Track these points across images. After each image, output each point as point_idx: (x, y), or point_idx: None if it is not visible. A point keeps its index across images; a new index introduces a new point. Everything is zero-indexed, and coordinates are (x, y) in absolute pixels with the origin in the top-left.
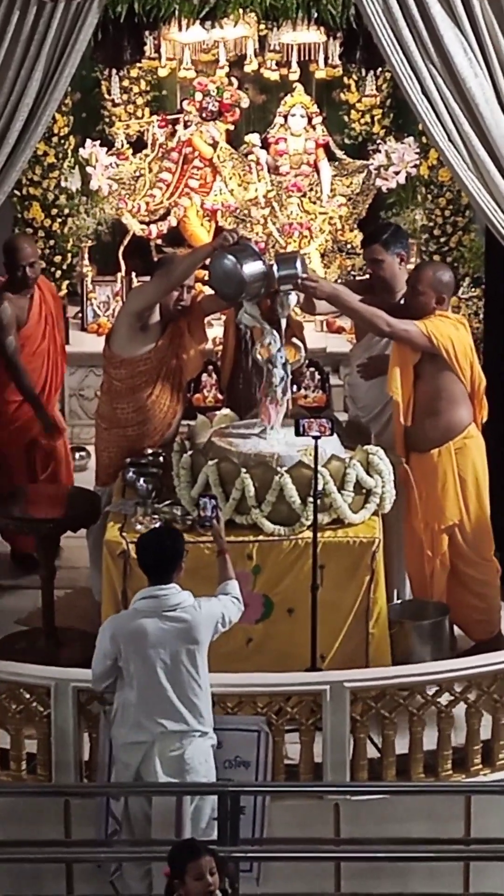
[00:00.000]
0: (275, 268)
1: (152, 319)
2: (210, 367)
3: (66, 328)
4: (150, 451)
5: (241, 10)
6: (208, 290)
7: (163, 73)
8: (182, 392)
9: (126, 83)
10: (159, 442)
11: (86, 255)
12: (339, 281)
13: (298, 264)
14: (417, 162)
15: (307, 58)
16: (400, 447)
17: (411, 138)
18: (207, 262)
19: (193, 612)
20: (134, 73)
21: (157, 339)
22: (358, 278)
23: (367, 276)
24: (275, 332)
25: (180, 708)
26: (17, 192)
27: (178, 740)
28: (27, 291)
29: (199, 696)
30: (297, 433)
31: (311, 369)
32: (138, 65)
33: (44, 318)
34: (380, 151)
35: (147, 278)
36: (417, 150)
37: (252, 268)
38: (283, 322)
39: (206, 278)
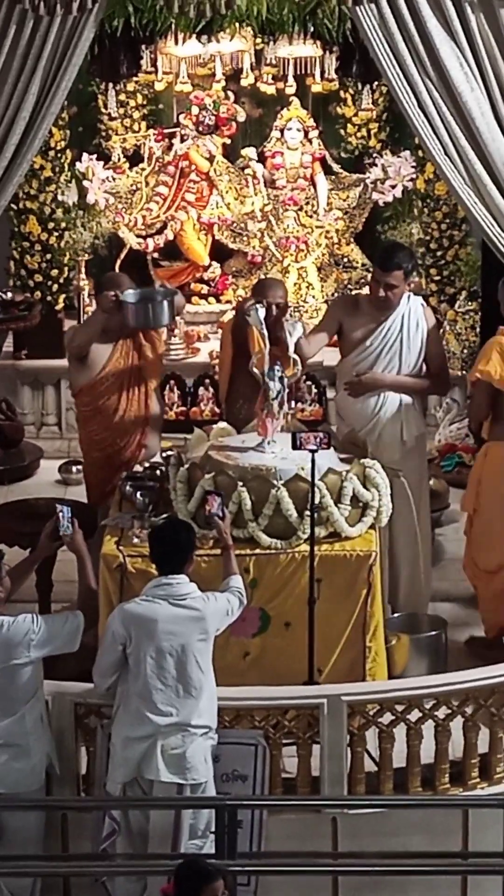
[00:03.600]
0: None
1: (94, 348)
2: (207, 381)
3: None
4: (146, 464)
5: (237, 24)
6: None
7: (159, 86)
8: (150, 398)
9: (123, 97)
10: (139, 450)
11: (82, 269)
12: (336, 294)
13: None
14: (414, 175)
15: (303, 71)
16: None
17: (408, 152)
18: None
19: (203, 604)
20: (130, 86)
21: (107, 357)
22: (353, 292)
23: (370, 293)
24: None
25: (185, 699)
26: (13, 205)
27: (179, 736)
28: None
29: (204, 690)
30: (294, 446)
31: (308, 383)
32: (135, 78)
33: None
34: (376, 165)
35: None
36: (414, 164)
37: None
38: (291, 345)
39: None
